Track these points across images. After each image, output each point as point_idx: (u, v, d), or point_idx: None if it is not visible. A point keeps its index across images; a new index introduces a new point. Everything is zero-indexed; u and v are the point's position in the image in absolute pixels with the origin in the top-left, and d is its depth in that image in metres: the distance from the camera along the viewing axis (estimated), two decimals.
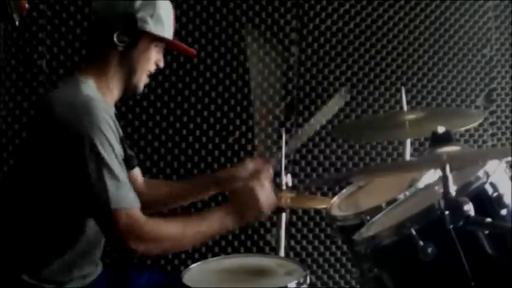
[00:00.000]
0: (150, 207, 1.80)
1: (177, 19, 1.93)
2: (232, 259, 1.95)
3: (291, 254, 2.90)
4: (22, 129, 2.58)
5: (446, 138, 1.56)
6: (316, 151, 2.97)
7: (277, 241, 2.31)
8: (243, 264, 1.88)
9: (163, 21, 1.71)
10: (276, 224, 2.31)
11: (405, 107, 2.40)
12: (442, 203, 1.39)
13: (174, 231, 1.60)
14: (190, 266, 1.83)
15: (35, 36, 2.59)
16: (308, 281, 1.68)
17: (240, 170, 2.01)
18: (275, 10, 2.89)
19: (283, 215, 2.28)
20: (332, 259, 3.00)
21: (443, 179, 1.41)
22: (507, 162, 1.57)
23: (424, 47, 3.09)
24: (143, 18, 1.66)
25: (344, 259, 3.00)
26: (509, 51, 3.19)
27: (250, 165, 2.01)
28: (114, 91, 1.73)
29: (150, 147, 2.76)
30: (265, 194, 1.71)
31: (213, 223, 1.65)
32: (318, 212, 2.92)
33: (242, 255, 2.39)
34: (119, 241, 1.53)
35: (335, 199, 2.18)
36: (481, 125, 3.04)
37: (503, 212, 1.46)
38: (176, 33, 1.84)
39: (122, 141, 1.68)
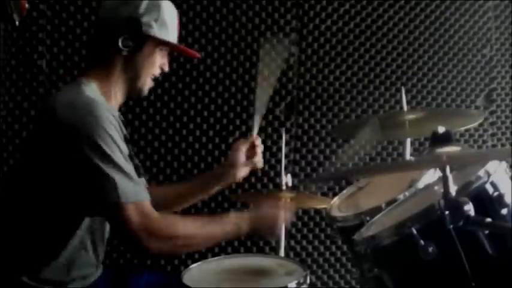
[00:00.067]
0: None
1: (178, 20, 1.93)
2: (232, 259, 1.95)
3: (291, 254, 2.90)
4: (22, 129, 2.58)
5: (446, 138, 1.56)
6: (316, 151, 2.97)
7: (277, 241, 2.31)
8: (243, 264, 1.88)
9: (167, 25, 1.71)
10: None
11: (405, 107, 2.40)
12: (442, 203, 1.39)
13: (188, 230, 1.60)
14: (190, 266, 1.83)
15: (35, 36, 2.59)
16: (308, 281, 1.68)
17: (232, 155, 1.97)
18: (275, 10, 2.90)
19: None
20: (332, 259, 3.00)
21: (443, 179, 1.41)
22: (507, 162, 1.57)
23: (424, 47, 3.09)
24: (148, 23, 1.67)
25: (344, 259, 3.00)
26: (509, 51, 3.19)
27: (240, 147, 1.97)
28: (118, 95, 1.73)
29: (150, 147, 2.76)
30: (284, 218, 1.78)
31: (228, 227, 1.67)
32: (318, 212, 2.93)
33: (242, 255, 2.39)
34: (131, 237, 1.52)
35: (335, 200, 2.19)
36: (481, 125, 3.04)
37: (504, 211, 1.46)
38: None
39: (127, 142, 1.68)
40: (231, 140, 2.83)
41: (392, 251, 1.54)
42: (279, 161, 2.13)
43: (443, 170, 1.41)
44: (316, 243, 2.98)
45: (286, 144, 2.17)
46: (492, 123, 3.19)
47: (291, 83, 2.93)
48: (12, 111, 2.58)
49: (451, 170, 1.42)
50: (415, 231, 1.43)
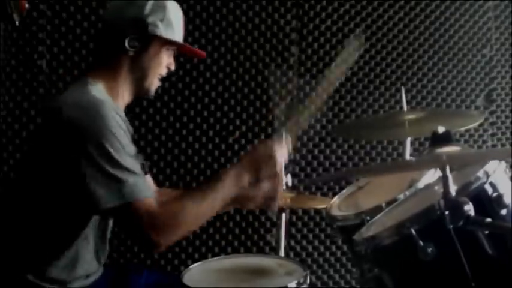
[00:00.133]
0: None
1: None
2: (232, 259, 1.95)
3: (291, 254, 2.90)
4: (22, 129, 2.58)
5: (446, 138, 1.56)
6: (316, 151, 2.97)
7: (277, 241, 2.31)
8: (243, 264, 1.88)
9: (173, 25, 1.71)
10: (276, 224, 2.32)
11: (405, 107, 2.40)
12: (442, 203, 1.39)
13: (190, 211, 1.56)
14: (190, 266, 1.83)
15: (35, 36, 2.59)
16: (308, 281, 1.69)
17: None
18: (275, 10, 2.89)
19: (283, 215, 2.28)
20: (332, 259, 3.00)
21: (443, 179, 1.41)
22: (507, 162, 1.57)
23: (424, 47, 3.09)
24: (154, 23, 1.67)
25: (344, 259, 3.00)
26: (509, 51, 3.19)
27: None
28: (125, 95, 1.73)
29: (150, 148, 2.76)
30: (280, 150, 1.72)
31: (229, 185, 1.63)
32: (318, 212, 2.92)
33: (242, 255, 2.39)
34: (143, 234, 1.50)
35: (335, 199, 2.19)
36: (481, 125, 3.04)
37: (503, 212, 1.46)
38: None
39: (134, 141, 1.68)
40: (231, 140, 2.83)
41: (392, 251, 1.54)
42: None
43: (443, 170, 1.41)
44: (316, 243, 2.98)
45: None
46: (492, 123, 3.19)
47: (291, 83, 2.93)
48: (12, 111, 2.58)
49: (451, 170, 1.42)
50: (414, 232, 1.43)
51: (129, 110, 2.66)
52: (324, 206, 2.20)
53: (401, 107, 2.41)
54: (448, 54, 3.13)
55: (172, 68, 1.79)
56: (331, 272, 3.00)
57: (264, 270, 1.80)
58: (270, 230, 2.87)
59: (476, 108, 3.16)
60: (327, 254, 2.99)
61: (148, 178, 1.94)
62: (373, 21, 3.02)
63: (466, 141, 3.14)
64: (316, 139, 2.97)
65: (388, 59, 3.05)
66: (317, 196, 2.77)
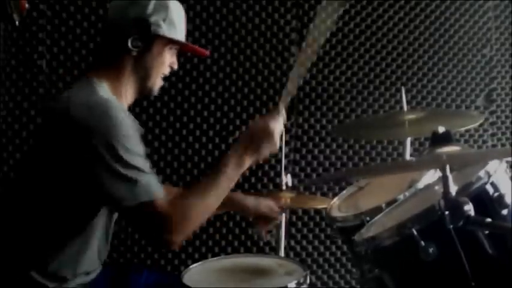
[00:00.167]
0: None
1: None
2: (232, 259, 1.95)
3: (291, 254, 2.90)
4: (22, 129, 2.58)
5: (446, 139, 1.56)
6: (316, 151, 2.97)
7: (277, 241, 2.31)
8: (243, 264, 1.89)
9: (175, 24, 1.72)
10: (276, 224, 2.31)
11: (405, 107, 2.40)
12: (442, 203, 1.39)
13: (200, 205, 1.57)
14: (190, 266, 1.83)
15: (35, 36, 2.59)
16: (308, 281, 1.69)
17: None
18: (275, 10, 2.89)
19: (283, 215, 2.28)
20: (332, 259, 3.00)
21: (444, 179, 1.41)
22: (507, 162, 1.57)
23: (424, 47, 3.09)
24: (156, 22, 1.67)
25: (344, 259, 3.00)
26: (509, 51, 3.19)
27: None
28: (128, 95, 1.73)
29: (150, 147, 2.76)
30: (277, 125, 1.70)
31: (231, 170, 1.63)
32: (318, 212, 2.92)
33: (242, 255, 2.39)
34: (159, 233, 1.51)
35: (335, 200, 2.18)
36: (481, 125, 3.04)
37: (504, 212, 1.46)
38: None
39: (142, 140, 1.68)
40: (231, 140, 2.83)
41: (392, 252, 1.54)
42: (279, 161, 2.13)
43: (443, 170, 1.41)
44: (316, 243, 2.98)
45: (286, 144, 2.17)
46: (492, 123, 3.19)
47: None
48: (12, 111, 2.58)
49: (451, 170, 1.42)
50: (415, 232, 1.43)
51: (129, 110, 2.67)
52: (324, 206, 2.20)
53: (401, 107, 2.41)
54: (448, 54, 3.13)
55: (175, 67, 1.79)
56: (331, 272, 3.00)
57: (264, 270, 1.80)
58: (270, 230, 2.87)
59: (476, 108, 3.16)
60: (327, 254, 2.99)
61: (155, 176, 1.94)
62: (373, 21, 3.02)
63: (466, 141, 3.13)
64: (316, 139, 2.97)
65: (388, 59, 3.05)
66: (317, 196, 2.77)
